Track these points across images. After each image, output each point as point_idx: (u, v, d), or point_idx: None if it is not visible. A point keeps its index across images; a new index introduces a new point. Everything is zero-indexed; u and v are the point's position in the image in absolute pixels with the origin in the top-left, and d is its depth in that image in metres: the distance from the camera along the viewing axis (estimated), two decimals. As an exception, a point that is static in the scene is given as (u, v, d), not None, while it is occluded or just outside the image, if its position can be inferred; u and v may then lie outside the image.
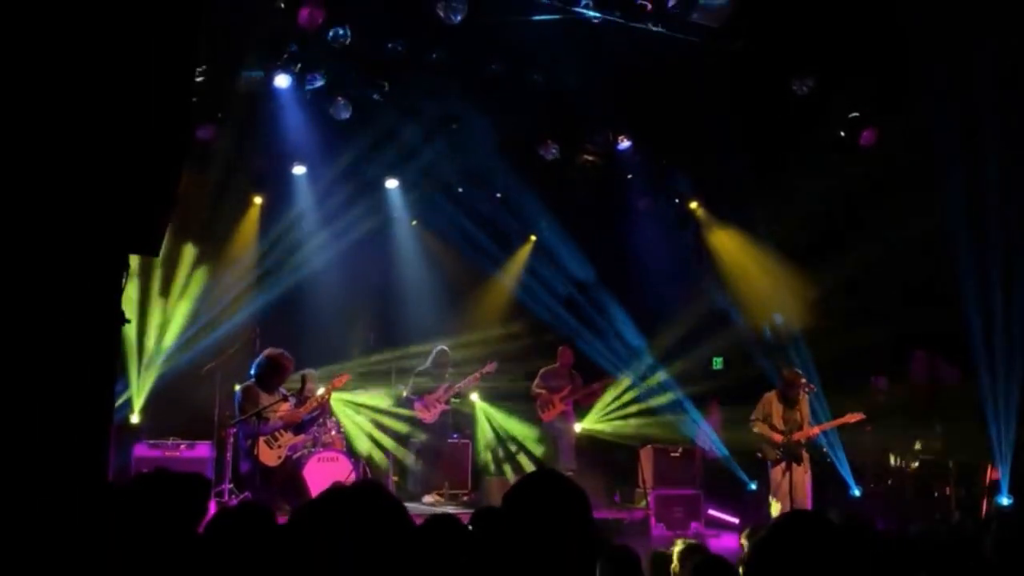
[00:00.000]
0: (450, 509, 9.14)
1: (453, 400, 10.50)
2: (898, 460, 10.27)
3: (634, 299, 12.04)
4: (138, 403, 9.82)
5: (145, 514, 2.68)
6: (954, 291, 8.99)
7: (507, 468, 11.03)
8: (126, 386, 9.68)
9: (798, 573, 1.84)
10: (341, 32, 8.24)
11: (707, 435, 11.01)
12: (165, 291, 10.24)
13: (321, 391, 8.49)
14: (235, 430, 8.10)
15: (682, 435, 10.94)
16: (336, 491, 1.75)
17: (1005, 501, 8.55)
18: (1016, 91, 8.17)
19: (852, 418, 8.46)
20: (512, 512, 2.21)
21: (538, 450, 10.92)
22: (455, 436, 10.79)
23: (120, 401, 9.33)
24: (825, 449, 9.26)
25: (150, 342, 10.05)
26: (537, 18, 8.16)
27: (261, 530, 2.56)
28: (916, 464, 10.03)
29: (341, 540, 1.64)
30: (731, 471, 10.63)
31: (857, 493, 9.21)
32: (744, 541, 5.00)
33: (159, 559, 2.68)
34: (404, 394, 10.37)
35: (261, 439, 7.58)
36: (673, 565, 3.57)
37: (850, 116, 9.66)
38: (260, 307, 10.92)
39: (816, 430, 8.46)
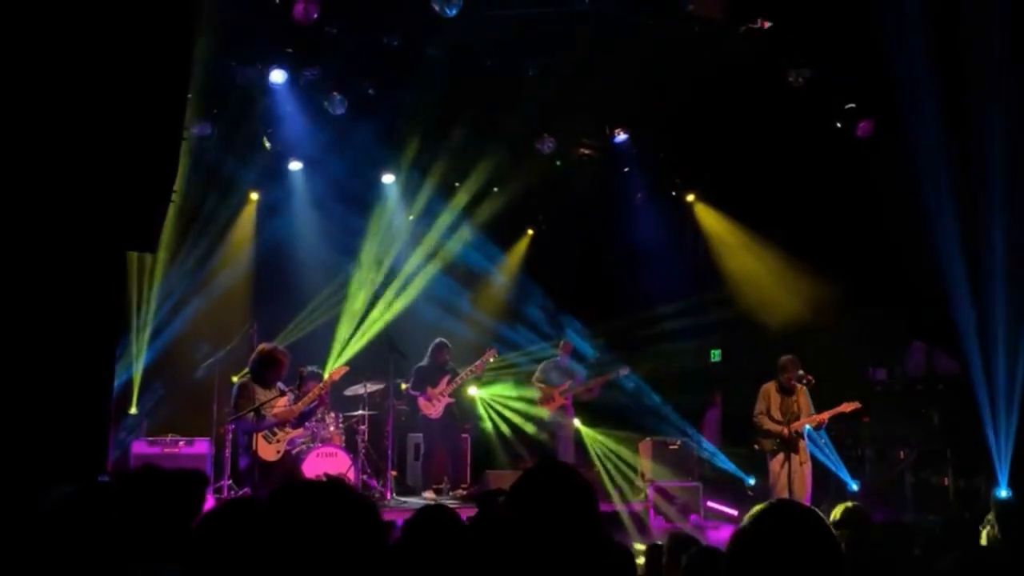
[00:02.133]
0: (450, 503, 9.15)
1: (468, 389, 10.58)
2: (896, 452, 10.28)
3: (631, 293, 12.05)
4: (136, 386, 9.85)
5: (138, 510, 2.68)
6: (947, 281, 9.01)
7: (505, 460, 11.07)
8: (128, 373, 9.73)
9: (777, 562, 1.84)
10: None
11: (702, 445, 11.00)
12: (163, 287, 10.23)
13: (317, 386, 8.50)
14: (232, 426, 8.11)
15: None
16: (298, 486, 1.76)
17: (1003, 494, 8.54)
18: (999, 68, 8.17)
19: (848, 407, 8.39)
20: (517, 502, 2.21)
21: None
22: (462, 431, 10.78)
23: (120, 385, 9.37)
24: (823, 441, 9.26)
25: (145, 338, 10.06)
26: (531, 11, 8.15)
27: (251, 524, 2.56)
28: (914, 455, 10.04)
29: (307, 535, 1.64)
30: (729, 470, 10.63)
31: (855, 488, 9.20)
32: None
33: (152, 555, 2.69)
34: (405, 388, 10.37)
35: (259, 434, 7.58)
36: (664, 558, 3.58)
37: (846, 107, 9.66)
38: (257, 303, 10.93)
39: (813, 420, 8.41)
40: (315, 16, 7.90)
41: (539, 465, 2.36)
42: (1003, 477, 8.67)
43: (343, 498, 1.70)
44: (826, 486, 9.18)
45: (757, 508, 1.96)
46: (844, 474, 9.20)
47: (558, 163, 11.26)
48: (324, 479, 1.86)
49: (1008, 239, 8.61)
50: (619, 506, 9.64)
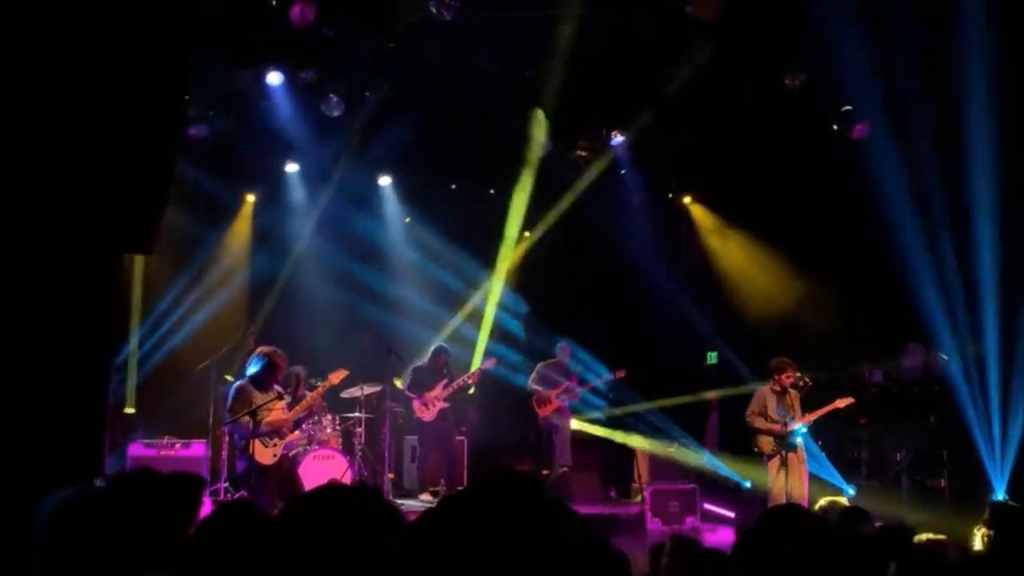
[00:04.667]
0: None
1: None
2: (892, 453, 10.29)
3: (627, 295, 12.05)
4: (132, 387, 9.84)
5: (134, 514, 2.67)
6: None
7: None
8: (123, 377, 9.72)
9: (783, 565, 1.84)
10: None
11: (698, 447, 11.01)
12: (159, 289, 10.21)
13: (314, 391, 8.46)
14: (228, 429, 8.08)
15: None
16: (330, 489, 1.74)
17: (1001, 496, 8.55)
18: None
19: (842, 402, 8.38)
20: (467, 514, 2.15)
21: None
22: (458, 434, 10.78)
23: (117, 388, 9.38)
24: (819, 443, 9.25)
25: (141, 338, 10.04)
26: (529, 14, 8.15)
27: (250, 528, 2.55)
28: (910, 457, 10.05)
29: (334, 538, 1.62)
30: (725, 472, 10.64)
31: (852, 492, 9.21)
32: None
33: (149, 559, 2.67)
34: (400, 387, 10.35)
35: (255, 438, 7.54)
36: (664, 561, 3.56)
37: (843, 109, 9.67)
38: (253, 305, 10.91)
39: (809, 417, 8.40)
40: (311, 18, 7.90)
41: (483, 475, 2.26)
42: (1002, 481, 8.67)
43: (371, 504, 1.68)
44: (824, 489, 9.17)
45: (761, 514, 1.96)
46: (839, 481, 9.21)
47: (554, 164, 11.26)
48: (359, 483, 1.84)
49: (1004, 240, 8.65)
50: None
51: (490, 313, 12.41)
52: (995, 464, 8.77)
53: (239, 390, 7.56)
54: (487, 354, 11.10)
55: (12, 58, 4.83)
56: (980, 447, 8.86)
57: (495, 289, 12.57)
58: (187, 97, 7.23)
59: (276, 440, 7.62)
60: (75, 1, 5.02)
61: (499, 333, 12.26)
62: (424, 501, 9.88)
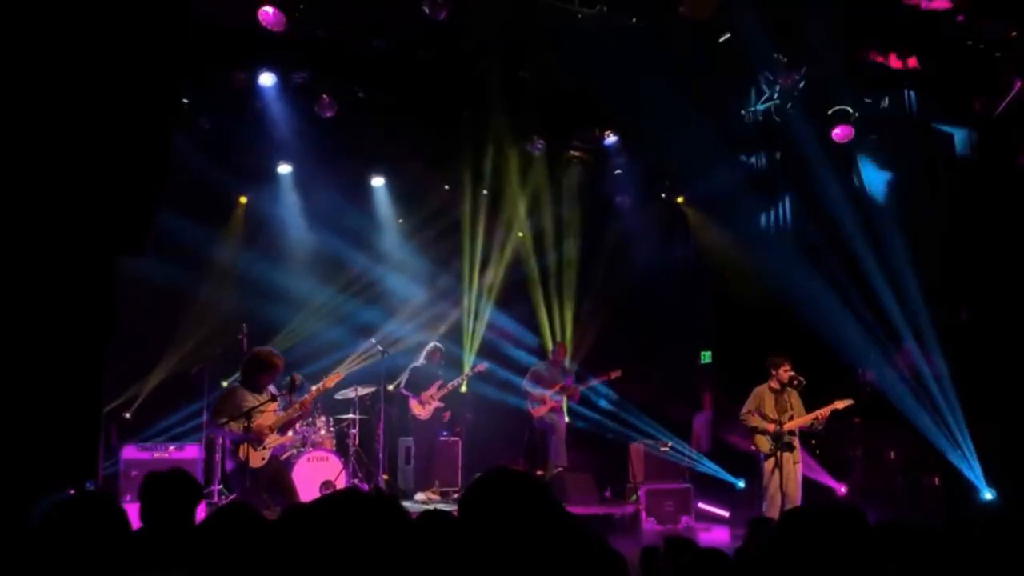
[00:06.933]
0: (442, 507, 9.12)
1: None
2: (886, 453, 10.31)
3: (623, 294, 12.05)
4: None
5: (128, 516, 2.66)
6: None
7: None
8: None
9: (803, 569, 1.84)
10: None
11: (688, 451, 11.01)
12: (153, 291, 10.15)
13: (308, 394, 8.42)
14: (208, 431, 8.04)
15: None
16: (340, 495, 1.73)
17: (988, 496, 8.56)
18: None
19: (841, 404, 8.36)
20: (467, 514, 2.15)
21: None
22: (444, 433, 10.78)
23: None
24: (812, 443, 9.25)
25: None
26: (523, 13, 8.15)
27: (247, 531, 2.54)
28: (904, 457, 10.06)
29: (337, 542, 1.61)
30: (719, 473, 10.64)
31: (844, 491, 9.23)
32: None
33: (145, 561, 2.67)
34: (399, 386, 10.36)
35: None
36: (660, 562, 3.55)
37: (829, 112, 9.67)
38: (247, 306, 10.87)
39: (807, 418, 8.38)
40: (286, 21, 7.87)
41: (485, 474, 2.26)
42: (981, 480, 8.70)
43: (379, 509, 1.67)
44: (817, 489, 9.19)
45: (782, 516, 1.95)
46: (832, 480, 9.23)
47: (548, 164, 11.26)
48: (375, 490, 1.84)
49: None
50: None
51: (485, 313, 12.42)
52: (970, 466, 8.81)
53: (229, 392, 7.51)
54: (478, 359, 11.08)
55: (7, 61, 4.82)
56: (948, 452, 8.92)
57: (492, 289, 12.57)
58: (181, 99, 7.21)
59: (265, 443, 7.53)
60: (70, 6, 5.01)
61: (500, 332, 12.25)
62: (419, 502, 9.87)
